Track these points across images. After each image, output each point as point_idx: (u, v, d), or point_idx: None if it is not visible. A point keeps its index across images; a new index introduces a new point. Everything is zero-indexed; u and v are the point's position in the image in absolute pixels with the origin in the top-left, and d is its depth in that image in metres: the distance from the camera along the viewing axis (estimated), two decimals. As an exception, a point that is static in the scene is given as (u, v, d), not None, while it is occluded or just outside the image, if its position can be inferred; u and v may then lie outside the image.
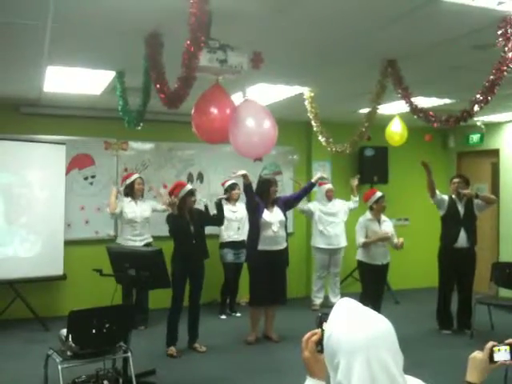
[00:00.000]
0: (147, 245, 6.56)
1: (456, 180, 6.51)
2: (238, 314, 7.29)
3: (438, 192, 6.49)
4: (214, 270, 7.29)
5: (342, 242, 7.65)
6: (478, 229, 6.68)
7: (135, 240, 6.51)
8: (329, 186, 7.68)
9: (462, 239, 6.34)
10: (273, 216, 5.93)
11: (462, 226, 6.36)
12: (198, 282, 5.76)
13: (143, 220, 6.62)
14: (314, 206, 7.71)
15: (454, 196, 6.46)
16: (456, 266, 6.37)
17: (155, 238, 6.71)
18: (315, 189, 8.18)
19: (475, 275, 6.52)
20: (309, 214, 7.75)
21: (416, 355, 5.28)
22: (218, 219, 6.02)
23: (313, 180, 6.40)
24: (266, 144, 3.57)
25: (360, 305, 1.46)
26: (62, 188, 6.83)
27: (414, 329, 6.48)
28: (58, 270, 6.74)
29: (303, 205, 7.57)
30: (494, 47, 3.52)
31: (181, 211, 5.66)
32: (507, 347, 1.85)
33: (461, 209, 6.41)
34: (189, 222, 5.70)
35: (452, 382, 2.19)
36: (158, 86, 3.64)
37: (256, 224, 5.91)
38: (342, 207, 7.73)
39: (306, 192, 6.45)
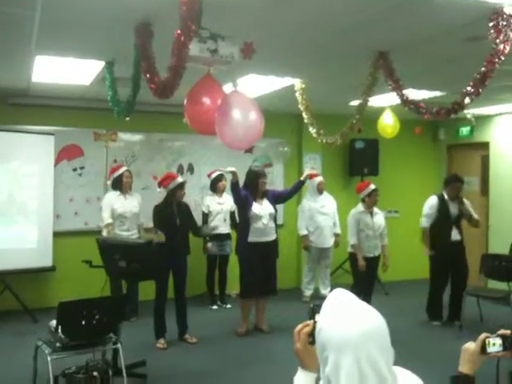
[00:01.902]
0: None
1: (459, 184, 6.50)
2: (229, 306, 7.30)
3: (426, 225, 6.54)
4: (200, 262, 7.30)
5: (330, 242, 7.67)
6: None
7: (122, 235, 6.45)
8: (320, 178, 7.68)
9: (455, 233, 6.46)
10: (262, 208, 5.92)
11: (454, 223, 6.47)
12: (181, 274, 5.76)
13: (132, 215, 6.57)
14: (304, 205, 7.70)
15: (446, 197, 6.49)
16: (451, 259, 6.43)
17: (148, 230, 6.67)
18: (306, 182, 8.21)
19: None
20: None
21: (406, 347, 5.31)
22: (197, 233, 6.15)
23: (302, 178, 6.37)
24: (251, 136, 3.54)
25: (353, 297, 1.45)
26: (51, 179, 6.78)
27: (404, 320, 6.51)
28: (47, 261, 6.71)
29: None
30: (485, 39, 3.52)
31: (169, 203, 5.63)
32: (499, 339, 1.85)
33: (452, 209, 6.46)
34: (176, 215, 5.67)
35: (441, 373, 2.20)
36: (148, 75, 3.62)
37: (246, 217, 5.91)
38: (331, 204, 7.73)
39: (295, 190, 6.44)
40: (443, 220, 6.47)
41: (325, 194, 7.72)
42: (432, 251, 6.51)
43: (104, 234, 6.37)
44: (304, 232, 7.61)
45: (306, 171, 6.57)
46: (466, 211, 6.46)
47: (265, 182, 6.03)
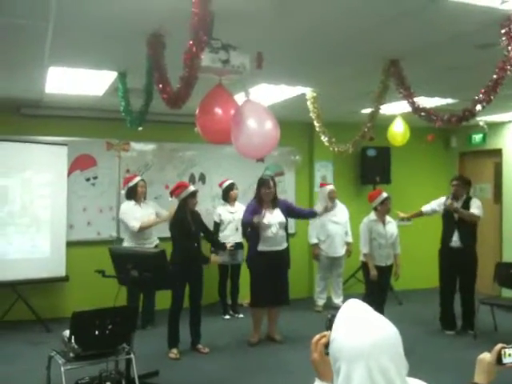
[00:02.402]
0: (156, 247, 6.52)
1: (454, 183, 6.53)
2: (241, 315, 7.27)
3: (423, 209, 6.83)
4: (213, 271, 7.30)
5: (342, 251, 7.64)
6: (481, 228, 6.69)
7: (145, 244, 6.47)
8: (331, 187, 7.66)
9: (456, 239, 6.37)
10: (272, 217, 5.89)
11: (457, 227, 6.39)
12: (198, 284, 5.74)
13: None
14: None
15: (450, 197, 6.47)
16: (453, 265, 6.39)
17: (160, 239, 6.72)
18: (316, 190, 8.22)
19: (478, 276, 6.50)
20: None
21: (419, 356, 5.27)
22: (210, 237, 6.16)
23: (318, 211, 6.27)
24: (267, 145, 3.56)
25: (366, 307, 1.44)
26: (64, 189, 6.83)
27: (418, 329, 6.46)
28: (60, 271, 6.75)
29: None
30: (497, 46, 3.50)
31: (183, 212, 5.65)
32: None
33: (448, 202, 6.41)
34: (190, 223, 5.68)
35: (456, 383, 2.18)
36: (160, 86, 3.64)
37: (255, 226, 5.89)
38: (343, 213, 7.70)
39: (306, 217, 6.55)
40: (447, 221, 6.49)
41: (337, 202, 7.69)
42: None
43: (125, 244, 6.45)
44: (314, 241, 7.59)
45: (322, 203, 6.66)
46: (451, 205, 6.32)
47: (267, 191, 5.91)
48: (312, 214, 6.45)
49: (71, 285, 6.95)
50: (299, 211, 6.47)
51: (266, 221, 5.84)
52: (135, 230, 6.41)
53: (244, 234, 6.44)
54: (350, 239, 7.66)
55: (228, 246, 6.52)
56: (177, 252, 5.61)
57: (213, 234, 6.16)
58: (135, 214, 6.47)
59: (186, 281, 5.66)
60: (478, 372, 1.85)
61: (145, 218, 6.51)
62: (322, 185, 7.87)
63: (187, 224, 5.66)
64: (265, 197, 5.92)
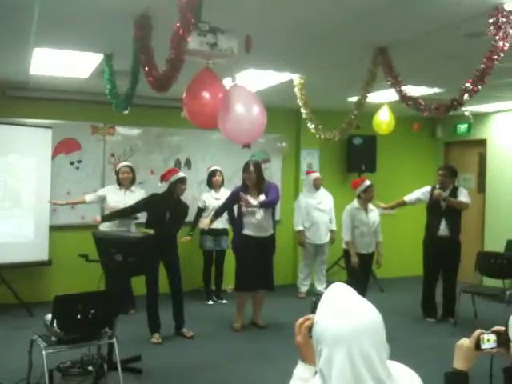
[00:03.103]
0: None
1: (441, 172, 6.55)
2: (225, 301, 7.30)
3: (406, 199, 6.77)
4: (198, 256, 7.30)
5: (326, 238, 7.69)
6: (464, 218, 6.76)
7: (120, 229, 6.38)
8: (316, 174, 7.72)
9: (444, 228, 6.42)
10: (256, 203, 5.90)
11: (443, 216, 6.43)
12: (174, 268, 5.72)
13: None
14: (300, 201, 7.72)
15: (438, 186, 6.49)
16: (439, 254, 6.44)
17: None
18: (302, 177, 8.23)
19: (460, 264, 6.58)
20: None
21: (400, 343, 5.31)
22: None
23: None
24: (254, 130, 3.54)
25: (351, 291, 1.45)
26: (48, 172, 6.75)
27: (399, 317, 6.52)
28: (43, 255, 6.70)
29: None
30: (485, 36, 3.51)
31: (168, 195, 5.63)
32: (494, 335, 1.85)
33: (436, 192, 6.44)
34: (166, 208, 5.62)
35: (436, 369, 2.20)
36: (146, 68, 3.60)
37: (239, 211, 5.95)
38: (328, 200, 7.74)
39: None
40: (433, 211, 6.50)
41: (322, 190, 7.73)
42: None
43: (101, 227, 6.32)
44: (300, 228, 7.62)
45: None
46: (440, 194, 6.35)
47: (247, 175, 5.89)
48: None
49: (54, 269, 6.91)
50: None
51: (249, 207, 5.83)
52: (83, 201, 6.58)
53: (230, 220, 6.43)
54: (333, 227, 7.70)
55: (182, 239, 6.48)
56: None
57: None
58: (113, 198, 6.43)
59: (159, 264, 5.63)
60: (457, 358, 1.88)
61: (121, 204, 6.24)
62: (308, 172, 7.94)
63: (162, 207, 5.60)
64: (246, 181, 5.92)
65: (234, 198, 5.96)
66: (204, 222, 6.14)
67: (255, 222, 5.86)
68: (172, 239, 5.75)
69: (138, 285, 6.52)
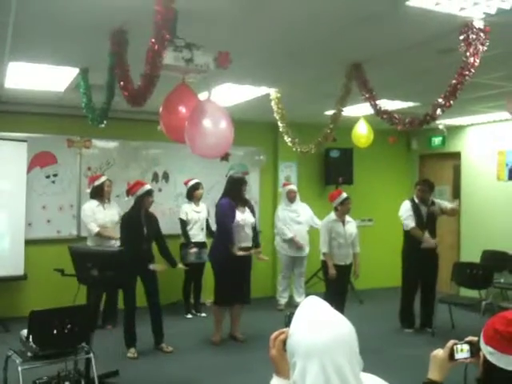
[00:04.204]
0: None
1: (419, 187, 6.68)
2: (204, 314, 7.26)
3: (413, 225, 6.56)
4: (175, 270, 7.24)
5: (306, 250, 7.72)
6: (440, 229, 6.92)
7: (109, 243, 6.35)
8: (290, 186, 7.77)
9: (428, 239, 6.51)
10: (245, 217, 5.94)
11: (426, 228, 6.54)
12: (152, 283, 5.67)
13: (112, 225, 6.49)
14: (280, 213, 7.75)
15: (417, 201, 6.62)
16: (421, 265, 6.50)
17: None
18: (280, 189, 8.27)
19: (438, 275, 6.68)
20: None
21: (377, 354, 5.36)
22: (163, 249, 5.85)
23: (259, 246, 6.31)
24: (221, 145, 3.55)
25: (325, 304, 1.47)
26: (23, 186, 6.68)
27: (377, 328, 6.57)
28: (18, 269, 6.60)
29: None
30: (457, 52, 3.59)
31: (137, 211, 5.60)
32: (467, 345, 1.88)
33: (424, 212, 6.58)
34: (143, 223, 5.61)
35: (413, 380, 2.22)
36: (121, 83, 3.60)
37: (229, 226, 5.84)
38: (306, 214, 7.78)
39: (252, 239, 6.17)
40: (416, 223, 6.55)
41: (298, 202, 7.77)
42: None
43: (89, 243, 6.39)
44: (290, 235, 7.58)
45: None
46: (437, 211, 6.59)
47: (245, 189, 6.06)
48: (256, 243, 6.24)
49: (30, 283, 6.81)
50: (255, 233, 6.27)
51: (240, 220, 5.87)
52: (92, 234, 6.38)
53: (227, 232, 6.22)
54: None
55: (192, 250, 6.83)
56: (125, 251, 5.47)
57: (165, 243, 5.89)
58: (98, 215, 6.40)
59: (136, 279, 5.60)
60: (432, 368, 1.90)
61: (107, 218, 6.45)
62: (284, 184, 8.00)
63: (139, 224, 5.58)
64: (243, 193, 5.96)
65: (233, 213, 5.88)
66: (238, 252, 5.90)
67: (243, 235, 5.89)
68: (150, 254, 5.73)
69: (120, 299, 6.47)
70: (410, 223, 6.54)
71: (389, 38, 3.94)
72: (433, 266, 6.60)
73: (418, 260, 6.50)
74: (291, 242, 7.61)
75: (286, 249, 7.66)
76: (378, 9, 3.29)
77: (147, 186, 5.76)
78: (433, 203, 6.62)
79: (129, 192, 5.75)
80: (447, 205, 6.71)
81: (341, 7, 3.28)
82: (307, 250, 7.71)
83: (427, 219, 6.56)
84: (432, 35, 3.79)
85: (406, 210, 6.63)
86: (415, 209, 6.58)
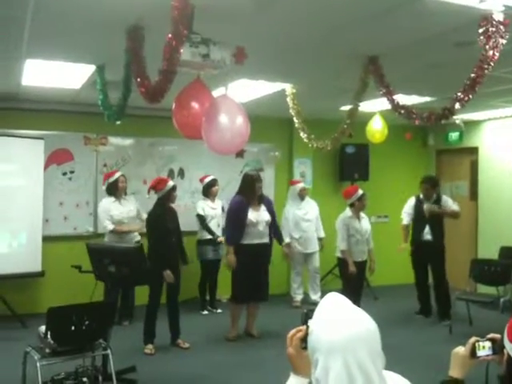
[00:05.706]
0: (138, 242, 6.43)
1: (424, 186, 6.78)
2: (219, 311, 7.27)
3: (405, 222, 6.96)
4: (191, 266, 7.26)
5: (315, 246, 7.69)
6: (457, 225, 7.01)
7: (126, 238, 6.42)
8: (301, 184, 7.75)
9: (427, 233, 6.71)
10: (259, 215, 5.90)
11: (427, 222, 6.68)
12: (175, 280, 5.66)
13: (130, 220, 6.53)
14: (288, 212, 7.70)
15: (421, 196, 6.80)
16: (424, 258, 6.76)
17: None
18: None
19: (455, 272, 6.72)
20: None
21: (395, 351, 5.29)
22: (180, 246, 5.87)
23: (283, 244, 6.55)
24: (237, 141, 3.54)
25: (346, 301, 1.45)
26: (41, 183, 6.73)
27: (393, 324, 6.52)
28: (36, 266, 6.65)
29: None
30: (476, 45, 3.53)
31: (161, 210, 5.63)
32: (489, 342, 1.86)
33: (426, 208, 6.70)
34: (168, 221, 5.67)
35: (431, 377, 2.20)
36: (138, 79, 3.60)
37: (241, 223, 5.82)
38: (314, 210, 7.76)
39: (274, 236, 6.18)
40: (417, 218, 6.78)
41: (307, 199, 7.74)
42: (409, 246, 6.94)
43: (106, 239, 6.46)
44: (287, 240, 7.54)
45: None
46: (433, 207, 6.65)
47: (260, 186, 5.99)
48: (278, 239, 6.29)
49: (47, 280, 6.86)
50: (274, 229, 6.22)
51: (253, 218, 5.84)
52: (107, 231, 6.42)
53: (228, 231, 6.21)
54: (322, 234, 7.73)
55: (219, 239, 6.98)
56: (153, 249, 5.54)
57: (182, 239, 5.91)
58: (113, 212, 6.42)
59: (162, 278, 5.56)
60: (453, 366, 1.88)
61: (124, 214, 6.48)
62: (292, 182, 7.96)
63: (164, 221, 5.62)
64: (258, 191, 5.92)
65: (240, 211, 5.86)
66: (229, 255, 5.90)
67: (257, 232, 5.86)
68: (177, 250, 5.77)
69: (138, 295, 6.49)
70: (403, 220, 6.92)
71: (405, 31, 3.89)
72: (436, 258, 6.72)
73: (421, 252, 6.75)
74: (300, 240, 7.59)
75: (296, 245, 7.62)
76: (395, 1, 3.25)
77: (171, 182, 5.83)
78: (439, 200, 6.69)
79: (154, 189, 5.75)
80: (450, 205, 6.73)
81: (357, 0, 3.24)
82: (317, 246, 7.69)
83: (429, 215, 6.65)
84: (450, 28, 3.74)
85: (408, 207, 6.95)
86: (417, 205, 6.78)
